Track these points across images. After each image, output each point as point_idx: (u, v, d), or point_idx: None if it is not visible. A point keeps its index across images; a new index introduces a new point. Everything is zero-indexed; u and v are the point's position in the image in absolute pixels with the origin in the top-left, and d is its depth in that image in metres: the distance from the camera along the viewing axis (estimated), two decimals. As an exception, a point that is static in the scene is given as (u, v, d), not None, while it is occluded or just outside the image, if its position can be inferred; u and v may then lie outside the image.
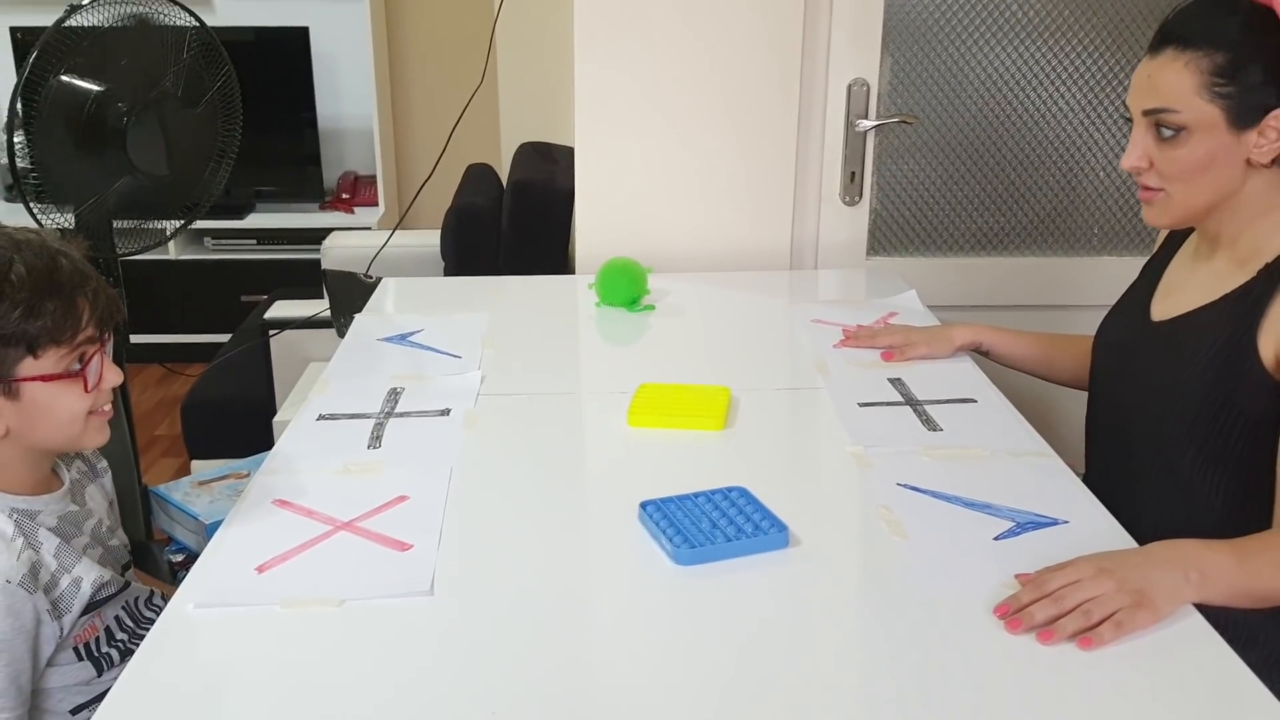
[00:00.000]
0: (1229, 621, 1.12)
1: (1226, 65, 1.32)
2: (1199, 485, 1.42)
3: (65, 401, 1.27)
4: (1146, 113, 1.37)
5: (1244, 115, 1.33)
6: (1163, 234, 1.62)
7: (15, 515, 1.28)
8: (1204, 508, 1.42)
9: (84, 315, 1.27)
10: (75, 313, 1.26)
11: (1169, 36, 1.36)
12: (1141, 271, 1.62)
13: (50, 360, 1.25)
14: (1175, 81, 1.34)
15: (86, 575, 1.32)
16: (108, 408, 1.34)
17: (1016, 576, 1.17)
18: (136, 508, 2.12)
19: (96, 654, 1.35)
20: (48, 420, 1.28)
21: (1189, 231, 1.53)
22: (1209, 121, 1.34)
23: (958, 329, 1.79)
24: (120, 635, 1.38)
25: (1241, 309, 1.37)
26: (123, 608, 1.40)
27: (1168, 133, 1.36)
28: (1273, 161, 1.34)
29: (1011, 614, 1.10)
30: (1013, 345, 1.78)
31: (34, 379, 1.24)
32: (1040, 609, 1.09)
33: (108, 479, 1.50)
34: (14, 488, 1.30)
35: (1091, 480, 1.48)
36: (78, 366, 1.28)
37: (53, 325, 1.24)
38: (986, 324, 1.80)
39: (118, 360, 1.34)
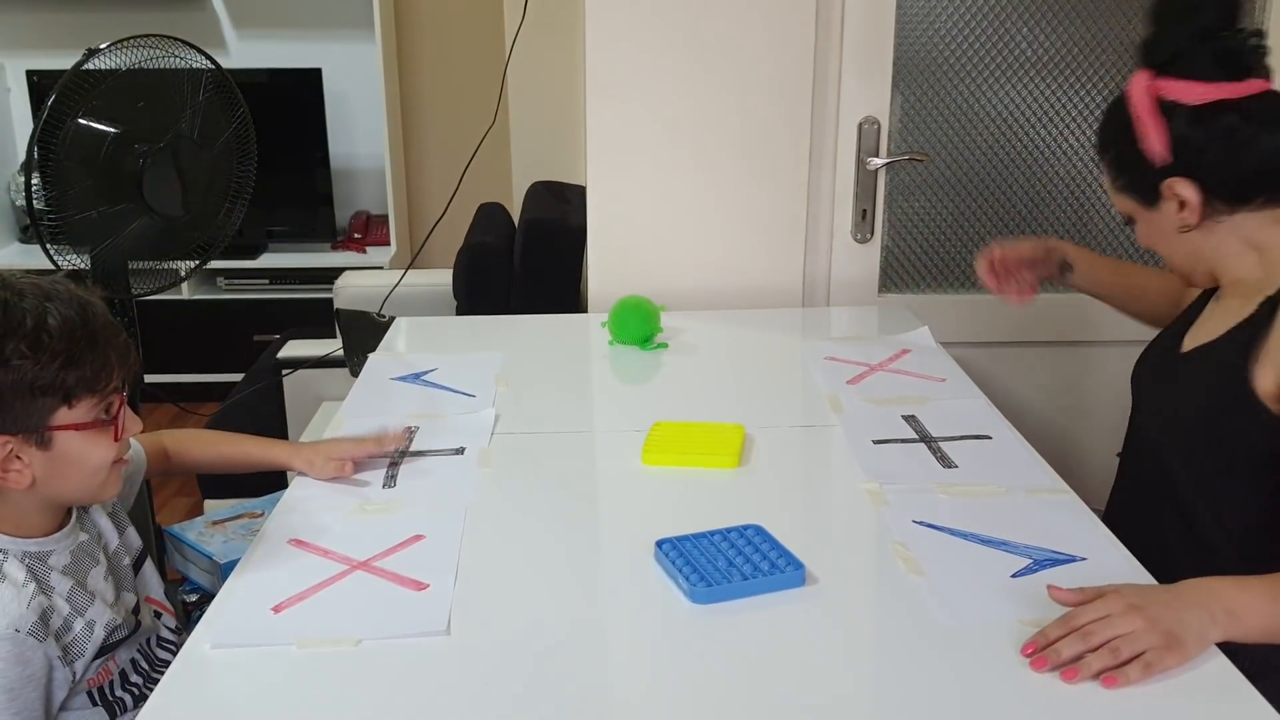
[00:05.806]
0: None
1: (1114, 161, 1.47)
2: (1208, 525, 1.40)
3: (96, 451, 1.27)
4: None
5: (1147, 196, 1.43)
6: None
7: (27, 560, 1.28)
8: (1214, 547, 1.40)
9: (114, 364, 1.27)
10: (109, 362, 1.26)
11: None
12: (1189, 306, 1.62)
13: (83, 409, 1.25)
14: (1106, 183, 1.50)
15: (99, 618, 1.31)
16: (127, 456, 1.34)
17: (1049, 588, 1.17)
18: (151, 547, 2.11)
19: (110, 698, 1.34)
20: (77, 470, 1.27)
21: None
22: (1132, 208, 1.47)
23: (1052, 241, 1.80)
24: (135, 678, 1.37)
25: (1241, 340, 1.37)
26: (138, 650, 1.39)
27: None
28: (1203, 219, 1.39)
29: (1039, 650, 1.09)
30: (1093, 268, 1.79)
31: (67, 428, 1.24)
32: (1067, 645, 1.08)
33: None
34: (27, 532, 1.30)
35: (1112, 515, 1.46)
36: (105, 416, 1.28)
37: (90, 375, 1.24)
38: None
39: (131, 404, 1.34)
